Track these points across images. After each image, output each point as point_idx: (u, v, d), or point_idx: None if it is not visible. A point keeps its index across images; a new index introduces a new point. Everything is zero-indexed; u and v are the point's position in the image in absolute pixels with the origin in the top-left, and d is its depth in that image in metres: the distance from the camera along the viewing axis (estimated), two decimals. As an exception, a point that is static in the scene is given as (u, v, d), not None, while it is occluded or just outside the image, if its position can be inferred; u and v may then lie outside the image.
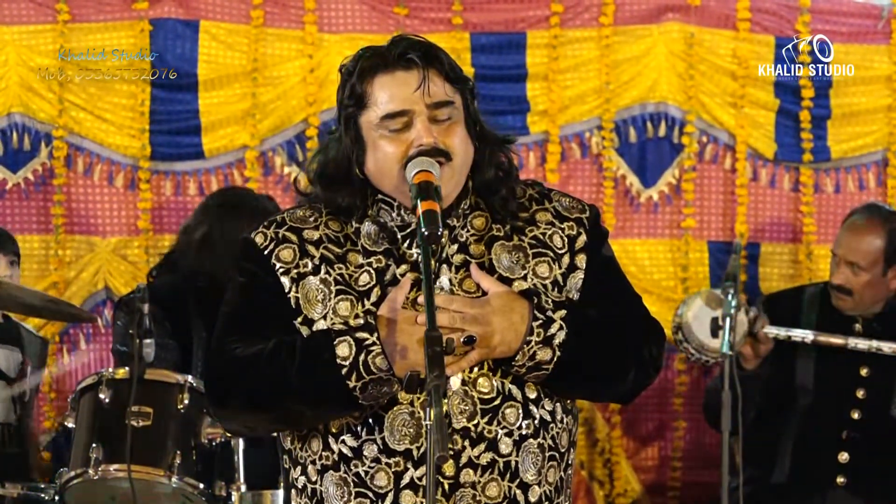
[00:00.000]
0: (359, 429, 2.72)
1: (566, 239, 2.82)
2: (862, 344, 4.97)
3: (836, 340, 4.98)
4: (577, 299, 2.80)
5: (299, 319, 2.74)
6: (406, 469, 2.69)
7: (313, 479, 2.78)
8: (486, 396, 2.71)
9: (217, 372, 2.80)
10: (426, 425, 2.51)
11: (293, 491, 2.83)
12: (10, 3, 5.63)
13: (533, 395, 2.75)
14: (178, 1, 5.69)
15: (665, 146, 5.90)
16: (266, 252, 2.78)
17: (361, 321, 2.69)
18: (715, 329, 4.71)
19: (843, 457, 4.96)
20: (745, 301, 5.10)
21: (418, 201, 2.65)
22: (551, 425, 2.77)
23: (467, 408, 2.70)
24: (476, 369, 2.71)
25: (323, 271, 2.75)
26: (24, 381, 5.15)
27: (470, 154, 2.78)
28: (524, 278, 2.77)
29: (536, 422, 2.75)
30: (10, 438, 5.07)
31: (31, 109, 5.64)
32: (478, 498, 2.70)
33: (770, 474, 5.05)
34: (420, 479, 2.69)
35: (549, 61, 5.83)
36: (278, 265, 2.76)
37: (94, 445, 4.47)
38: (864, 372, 5.01)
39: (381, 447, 2.70)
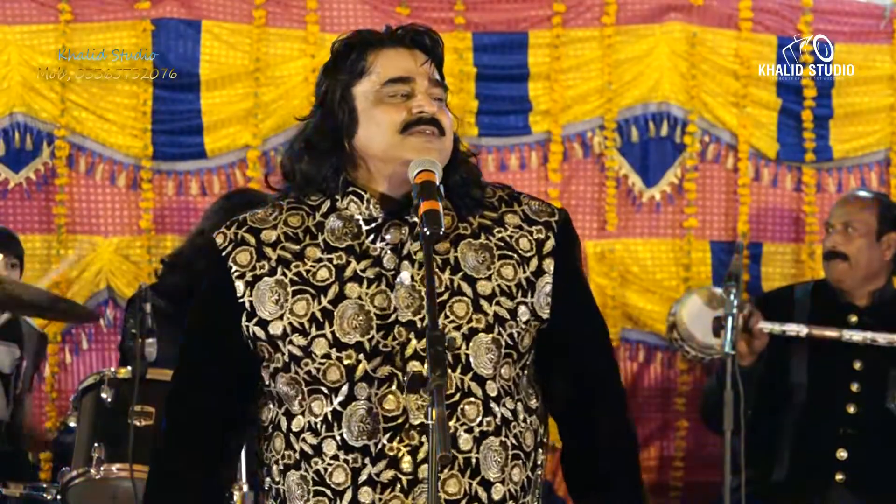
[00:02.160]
0: (318, 426, 2.71)
1: (534, 242, 2.79)
2: (856, 336, 4.97)
3: (831, 333, 4.98)
4: (546, 313, 2.77)
5: (253, 321, 2.73)
6: (364, 465, 2.68)
7: (277, 479, 2.77)
8: (445, 392, 2.67)
9: (165, 421, 2.89)
10: (430, 425, 2.50)
11: (262, 493, 2.83)
12: (12, 2, 5.63)
13: (494, 393, 2.73)
14: (179, 1, 5.70)
15: (667, 146, 5.90)
16: (224, 253, 2.77)
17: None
18: (717, 329, 4.71)
19: (842, 454, 4.96)
20: (745, 300, 5.11)
21: (420, 201, 2.64)
22: (513, 424, 2.75)
23: (425, 403, 2.67)
24: None
25: (279, 273, 2.74)
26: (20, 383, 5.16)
27: (451, 143, 2.78)
28: (488, 278, 2.75)
29: (498, 419, 2.72)
30: (3, 436, 5.07)
31: (33, 109, 5.64)
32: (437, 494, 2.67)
33: (770, 473, 5.05)
34: (378, 475, 2.67)
35: (552, 61, 5.83)
36: (234, 268, 2.75)
37: (96, 445, 4.48)
38: (857, 365, 5.01)
39: (340, 444, 2.69)
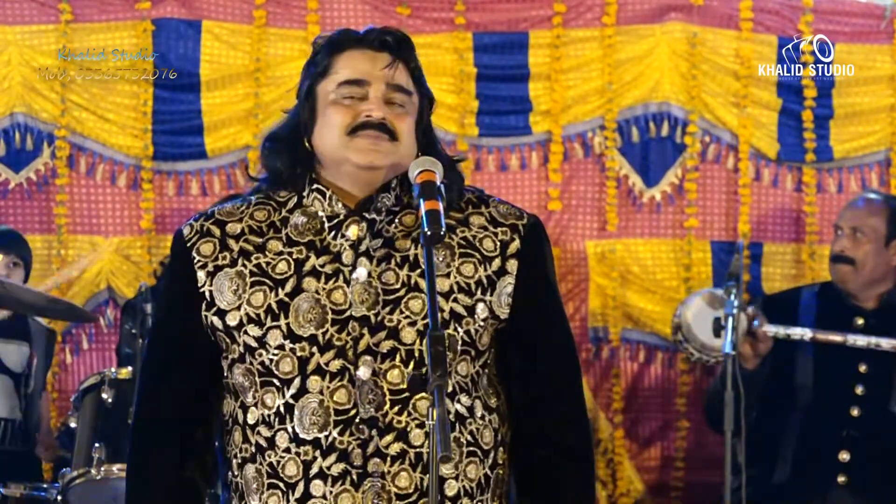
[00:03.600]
0: (271, 418, 2.72)
1: (499, 243, 2.79)
2: (861, 340, 4.97)
3: (835, 338, 4.98)
4: (505, 313, 2.77)
5: (212, 311, 2.75)
6: (315, 458, 2.68)
7: (236, 473, 2.78)
8: (396, 387, 2.68)
9: (134, 418, 2.90)
10: (429, 425, 2.50)
11: (223, 489, 2.84)
12: (12, 2, 5.63)
13: (448, 389, 2.72)
14: (180, 1, 5.70)
15: (668, 146, 5.90)
16: (189, 244, 2.79)
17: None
18: (717, 329, 4.72)
19: (844, 456, 4.96)
20: (746, 300, 5.11)
21: (421, 201, 2.64)
22: (469, 420, 2.74)
23: (375, 398, 2.68)
24: (388, 360, 2.70)
25: (240, 264, 2.76)
26: (32, 381, 5.17)
27: (411, 150, 2.78)
28: (447, 276, 2.75)
29: (452, 416, 2.72)
30: (15, 435, 5.07)
31: (34, 109, 5.64)
32: (387, 488, 2.67)
33: (771, 474, 5.05)
34: (329, 468, 2.68)
35: (552, 61, 5.83)
36: (197, 258, 2.78)
37: (96, 445, 4.49)
38: (862, 368, 5.01)
39: (292, 436, 2.70)
